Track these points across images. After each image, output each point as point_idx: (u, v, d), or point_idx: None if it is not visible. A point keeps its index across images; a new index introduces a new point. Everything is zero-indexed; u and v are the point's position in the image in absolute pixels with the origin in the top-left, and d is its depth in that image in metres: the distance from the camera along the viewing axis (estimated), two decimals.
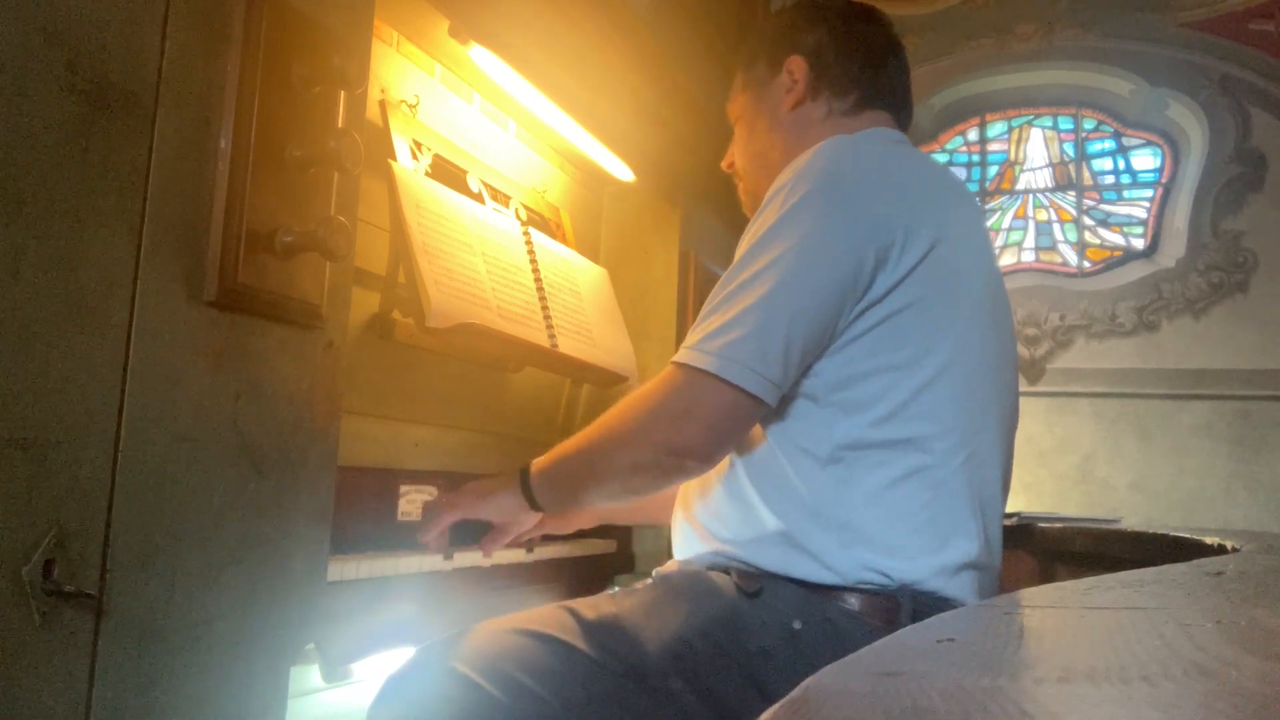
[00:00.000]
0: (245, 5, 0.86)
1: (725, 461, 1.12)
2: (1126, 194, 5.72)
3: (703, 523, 1.12)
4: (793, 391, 1.05)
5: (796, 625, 1.00)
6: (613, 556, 1.78)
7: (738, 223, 1.36)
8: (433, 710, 0.98)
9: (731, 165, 1.35)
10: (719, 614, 1.01)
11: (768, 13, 2.36)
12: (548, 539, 1.57)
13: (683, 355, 1.02)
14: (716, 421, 1.00)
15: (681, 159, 1.94)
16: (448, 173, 1.49)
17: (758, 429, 1.08)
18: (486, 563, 1.32)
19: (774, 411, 1.05)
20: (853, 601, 1.01)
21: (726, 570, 1.07)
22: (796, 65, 1.25)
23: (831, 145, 1.08)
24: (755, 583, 1.03)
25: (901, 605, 1.00)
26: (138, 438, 0.75)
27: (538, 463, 1.15)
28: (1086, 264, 5.66)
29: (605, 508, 1.41)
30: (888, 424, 1.03)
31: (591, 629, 1.02)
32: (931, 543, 1.03)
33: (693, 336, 1.03)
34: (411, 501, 1.37)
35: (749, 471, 1.08)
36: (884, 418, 1.03)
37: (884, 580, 1.01)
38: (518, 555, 1.41)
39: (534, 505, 1.15)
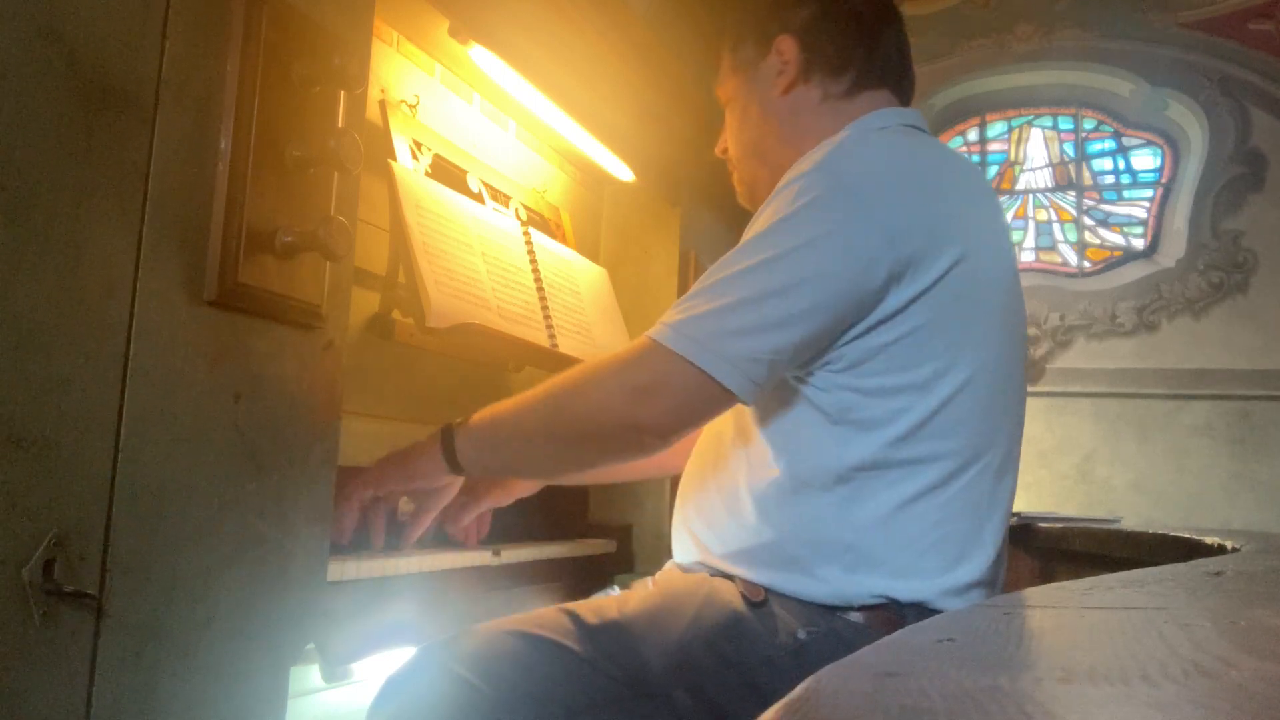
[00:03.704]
0: (245, 5, 0.86)
1: (725, 473, 1.09)
2: (1126, 194, 5.72)
3: (701, 537, 1.10)
4: (804, 409, 1.02)
5: (801, 635, 0.98)
6: (613, 556, 1.77)
7: (738, 223, 1.35)
8: (432, 712, 0.97)
9: (725, 151, 1.29)
10: (723, 623, 1.00)
11: None
12: (547, 540, 1.57)
13: (663, 333, 0.97)
14: (684, 406, 0.97)
15: (681, 159, 1.94)
16: (448, 173, 1.49)
17: (763, 445, 1.05)
18: (495, 563, 1.32)
19: (783, 429, 1.03)
20: (857, 615, 1.00)
21: (730, 576, 1.05)
22: (786, 45, 1.18)
23: (855, 141, 1.03)
24: (759, 591, 1.02)
25: (907, 620, 0.98)
26: (138, 438, 0.75)
27: (469, 419, 1.07)
28: (1086, 264, 5.66)
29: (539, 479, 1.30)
30: (903, 444, 0.99)
31: (593, 634, 1.01)
32: (942, 563, 1.00)
33: (678, 314, 0.98)
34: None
35: (751, 488, 1.05)
36: (900, 438, 0.99)
37: (890, 601, 1.00)
38: (518, 555, 1.41)
39: (454, 467, 1.07)
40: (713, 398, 0.96)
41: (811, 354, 0.99)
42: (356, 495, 1.10)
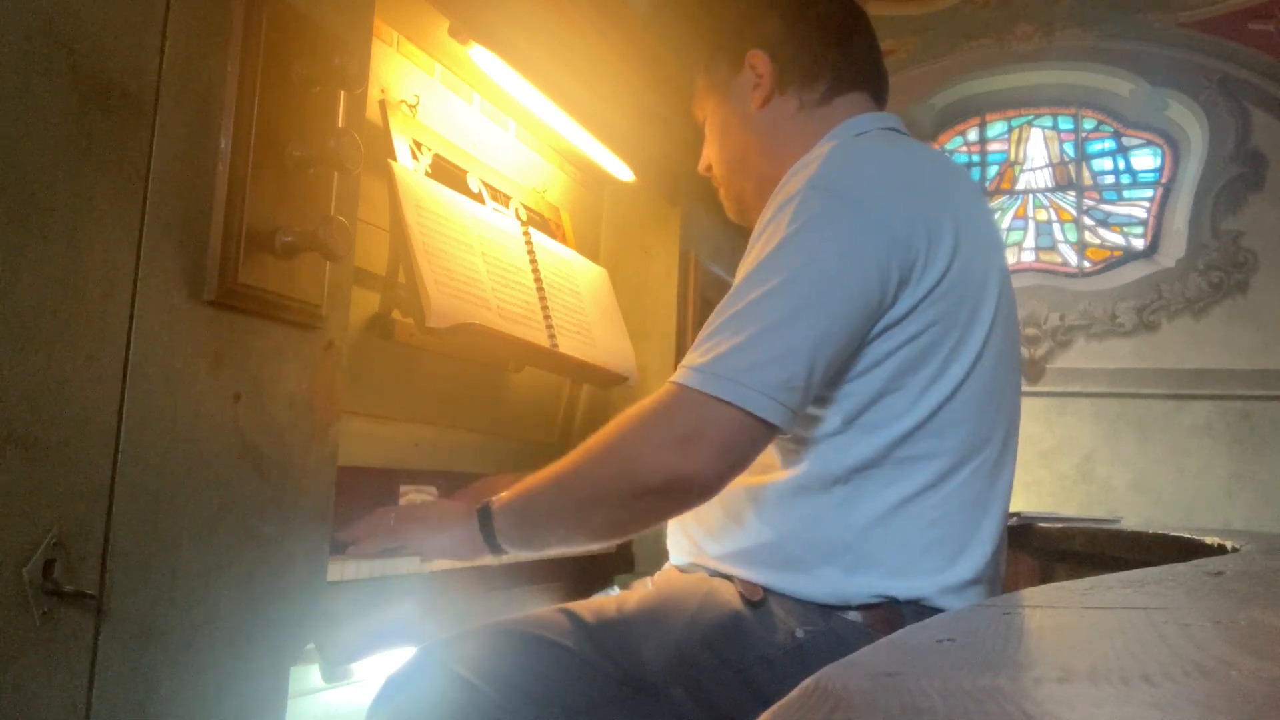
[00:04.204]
0: (245, 5, 0.86)
1: None
2: (1126, 194, 5.72)
3: (697, 539, 1.10)
4: (810, 415, 1.02)
5: (799, 634, 0.99)
6: (612, 556, 1.77)
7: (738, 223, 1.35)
8: (431, 712, 0.98)
9: (709, 169, 1.29)
10: (721, 622, 1.00)
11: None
12: None
13: (690, 377, 0.94)
14: (729, 448, 0.93)
15: (681, 159, 1.94)
16: (448, 173, 1.49)
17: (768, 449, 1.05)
18: (495, 563, 1.32)
19: (787, 435, 1.02)
20: (856, 614, 1.00)
21: (728, 576, 1.05)
22: (758, 60, 1.19)
23: (840, 150, 1.03)
24: (758, 591, 1.02)
25: (906, 618, 0.99)
26: (138, 438, 0.75)
27: (502, 498, 1.04)
28: (1086, 264, 5.66)
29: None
30: (903, 443, 1.00)
31: (592, 633, 1.01)
32: (940, 562, 1.00)
33: (701, 356, 0.95)
34: (412, 501, 1.37)
35: (750, 490, 1.05)
36: (900, 438, 1.00)
37: (888, 600, 1.00)
38: (515, 555, 1.41)
39: (494, 548, 1.05)
40: (755, 434, 0.93)
41: (838, 368, 0.99)
42: (380, 543, 1.10)
